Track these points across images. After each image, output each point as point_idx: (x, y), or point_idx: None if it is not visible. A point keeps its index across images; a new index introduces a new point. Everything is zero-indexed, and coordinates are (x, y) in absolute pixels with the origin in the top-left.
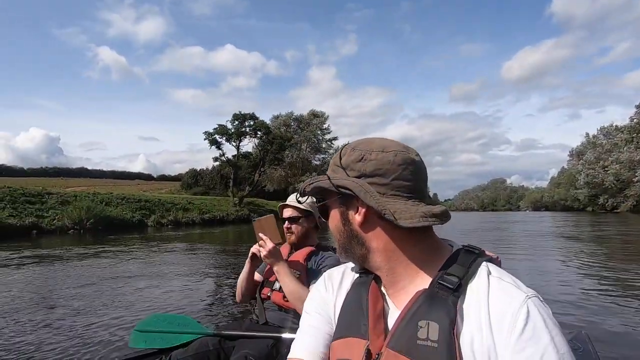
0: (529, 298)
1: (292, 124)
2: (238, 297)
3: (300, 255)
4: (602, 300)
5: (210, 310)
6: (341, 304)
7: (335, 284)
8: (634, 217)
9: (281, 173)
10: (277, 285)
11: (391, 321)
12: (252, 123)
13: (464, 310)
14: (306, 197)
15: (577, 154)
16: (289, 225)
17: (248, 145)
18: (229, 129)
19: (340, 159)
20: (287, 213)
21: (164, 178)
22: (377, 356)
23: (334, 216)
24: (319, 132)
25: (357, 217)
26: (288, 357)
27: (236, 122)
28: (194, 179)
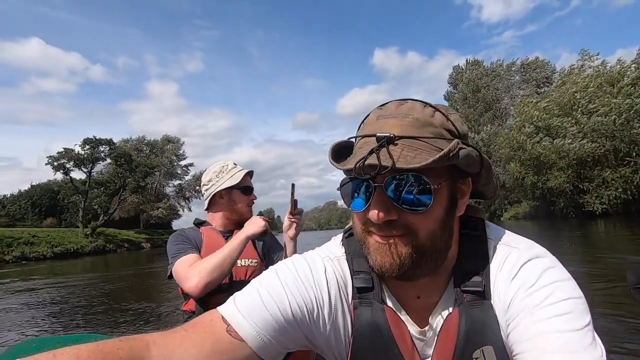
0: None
1: (145, 148)
2: (206, 284)
3: None
4: None
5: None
6: (335, 327)
7: (340, 287)
8: None
9: (134, 200)
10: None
11: (424, 352)
12: (108, 149)
13: (501, 308)
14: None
15: None
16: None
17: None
18: (80, 154)
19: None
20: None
21: None
22: None
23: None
24: (174, 157)
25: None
26: (219, 310)
27: (87, 147)
28: None
